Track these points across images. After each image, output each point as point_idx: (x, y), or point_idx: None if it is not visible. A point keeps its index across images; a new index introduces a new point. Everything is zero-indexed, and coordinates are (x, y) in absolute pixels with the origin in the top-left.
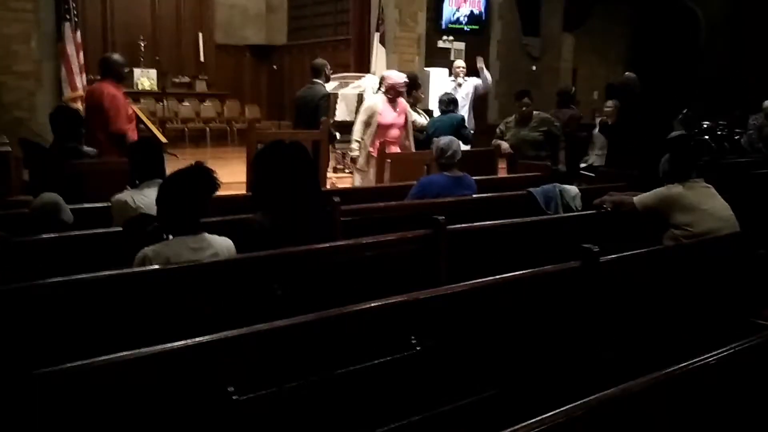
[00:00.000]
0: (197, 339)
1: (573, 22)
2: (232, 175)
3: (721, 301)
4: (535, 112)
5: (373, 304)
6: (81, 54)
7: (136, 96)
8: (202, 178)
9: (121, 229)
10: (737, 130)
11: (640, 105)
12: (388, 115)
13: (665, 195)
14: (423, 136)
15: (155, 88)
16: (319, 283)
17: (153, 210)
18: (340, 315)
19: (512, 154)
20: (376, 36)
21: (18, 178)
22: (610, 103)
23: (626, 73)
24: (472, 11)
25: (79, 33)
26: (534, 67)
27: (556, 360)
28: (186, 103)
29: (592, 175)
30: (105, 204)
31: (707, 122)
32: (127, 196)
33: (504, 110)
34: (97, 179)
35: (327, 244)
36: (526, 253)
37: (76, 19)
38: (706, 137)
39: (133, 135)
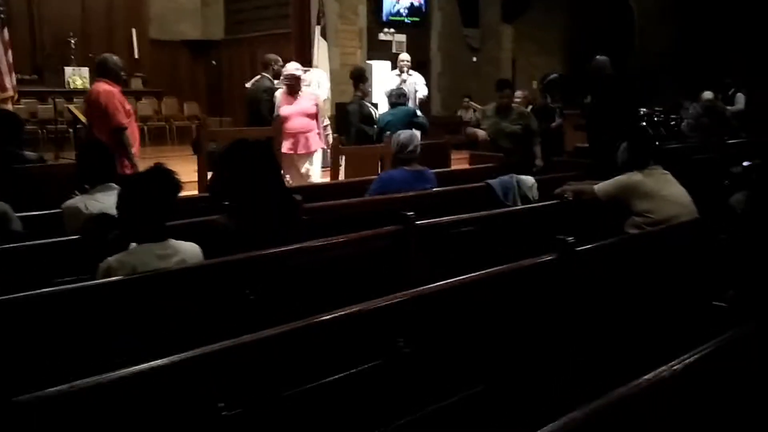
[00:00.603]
0: (181, 355)
1: (511, 13)
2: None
3: (689, 285)
4: (513, 105)
5: (355, 309)
6: (9, 52)
7: (69, 95)
8: (164, 179)
9: (76, 236)
10: (672, 116)
11: (613, 91)
12: (284, 108)
13: (625, 183)
14: (374, 131)
15: (88, 86)
16: (292, 284)
17: None
18: (324, 322)
19: (488, 142)
20: (317, 29)
21: None
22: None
23: (597, 56)
24: (412, 3)
25: (6, 30)
26: (474, 58)
27: (540, 351)
28: None
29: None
30: (55, 211)
31: (644, 109)
32: (79, 202)
33: (446, 103)
34: (41, 184)
35: (298, 245)
36: (494, 245)
37: (2, 16)
38: (644, 123)
39: (133, 130)
